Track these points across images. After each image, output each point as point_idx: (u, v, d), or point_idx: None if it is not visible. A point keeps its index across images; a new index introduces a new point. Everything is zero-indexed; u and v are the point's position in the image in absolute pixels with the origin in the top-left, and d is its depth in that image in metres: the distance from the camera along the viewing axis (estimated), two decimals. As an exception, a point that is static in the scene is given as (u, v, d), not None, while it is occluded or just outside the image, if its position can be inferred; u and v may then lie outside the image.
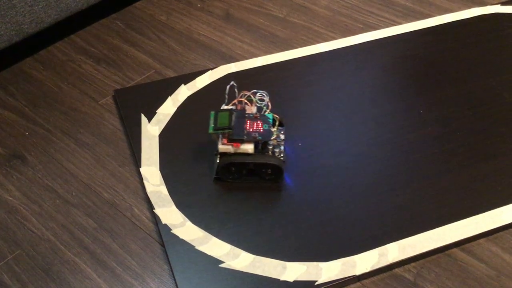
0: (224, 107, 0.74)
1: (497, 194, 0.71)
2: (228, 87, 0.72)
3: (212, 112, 0.72)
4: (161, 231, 0.68)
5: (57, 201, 0.74)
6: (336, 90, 0.87)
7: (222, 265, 0.65)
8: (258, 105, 0.73)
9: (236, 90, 0.73)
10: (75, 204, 0.73)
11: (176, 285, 0.63)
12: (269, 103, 0.73)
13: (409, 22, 1.01)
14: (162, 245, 0.68)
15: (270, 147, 0.72)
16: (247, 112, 0.72)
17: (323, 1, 1.08)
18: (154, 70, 0.93)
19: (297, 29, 1.01)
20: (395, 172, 0.75)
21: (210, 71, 0.91)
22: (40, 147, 0.81)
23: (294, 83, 0.88)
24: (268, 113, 0.72)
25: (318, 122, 0.82)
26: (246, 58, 0.94)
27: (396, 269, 0.65)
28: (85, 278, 0.65)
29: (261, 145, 0.71)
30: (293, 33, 1.00)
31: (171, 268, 0.65)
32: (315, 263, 0.65)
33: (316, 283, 0.63)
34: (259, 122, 0.71)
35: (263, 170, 0.72)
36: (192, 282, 0.63)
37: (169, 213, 0.70)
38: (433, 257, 0.67)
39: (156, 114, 0.83)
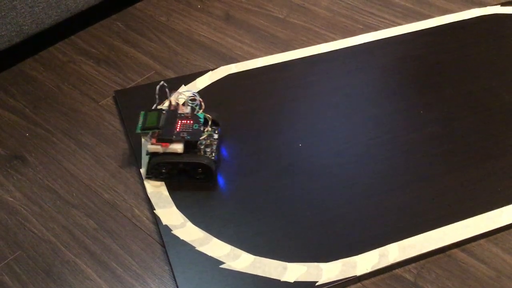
0: (155, 107, 0.74)
1: (498, 195, 0.72)
2: (158, 87, 0.73)
3: (142, 112, 0.73)
4: (162, 232, 0.68)
5: (58, 202, 0.74)
6: (336, 90, 0.87)
7: (222, 266, 0.65)
8: (190, 105, 0.74)
9: (167, 90, 0.74)
10: (76, 205, 0.73)
11: (177, 285, 0.64)
12: (202, 103, 0.74)
13: (409, 23, 1.01)
14: (163, 245, 0.68)
15: (202, 147, 0.73)
16: (179, 112, 0.73)
17: (323, 2, 1.08)
18: (154, 71, 0.93)
19: (297, 30, 1.01)
20: (396, 172, 0.75)
21: (210, 72, 0.91)
22: (41, 148, 0.81)
23: (294, 84, 0.88)
24: (200, 113, 0.73)
25: (319, 122, 0.82)
26: (246, 59, 0.94)
27: (397, 270, 0.65)
28: (86, 279, 0.65)
29: (192, 145, 0.72)
30: (293, 34, 1.00)
31: (171, 269, 0.65)
32: (315, 263, 0.65)
33: (317, 284, 0.63)
34: (190, 121, 0.71)
35: (194, 169, 0.72)
36: (192, 282, 0.63)
37: (169, 214, 0.70)
38: (434, 257, 0.67)
39: (157, 115, 0.83)
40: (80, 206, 0.73)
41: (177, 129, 0.71)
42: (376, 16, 1.03)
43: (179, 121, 0.71)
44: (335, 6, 1.07)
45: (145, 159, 0.76)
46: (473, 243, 0.68)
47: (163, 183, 0.74)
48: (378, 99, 0.86)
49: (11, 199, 0.74)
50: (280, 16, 1.05)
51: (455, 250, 0.67)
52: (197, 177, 0.73)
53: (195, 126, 0.71)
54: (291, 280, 0.63)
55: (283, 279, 0.64)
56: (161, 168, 0.72)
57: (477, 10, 1.02)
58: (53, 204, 0.73)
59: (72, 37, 1.01)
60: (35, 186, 0.76)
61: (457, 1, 1.06)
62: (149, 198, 0.72)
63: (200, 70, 0.92)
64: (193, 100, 0.75)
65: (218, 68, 0.92)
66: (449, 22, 1.00)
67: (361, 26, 1.01)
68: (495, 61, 0.92)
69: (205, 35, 1.01)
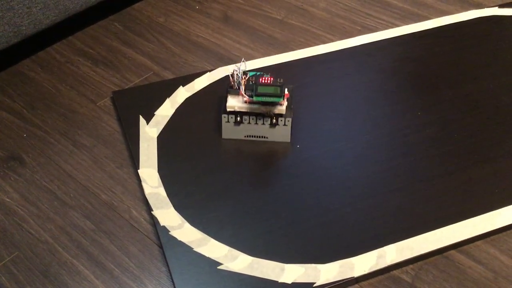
0: (233, 97, 0.77)
1: (495, 196, 0.72)
2: (230, 78, 0.76)
3: (256, 97, 0.74)
4: (159, 233, 0.68)
5: (55, 202, 0.74)
6: (334, 92, 0.87)
7: (220, 267, 0.65)
8: (237, 73, 0.77)
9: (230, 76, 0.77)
10: (73, 205, 0.73)
11: (174, 286, 0.63)
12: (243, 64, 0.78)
13: (407, 24, 1.01)
14: (160, 246, 0.68)
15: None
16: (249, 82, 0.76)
17: (321, 3, 1.08)
18: (152, 72, 0.93)
19: (295, 31, 1.01)
20: (393, 174, 0.75)
21: (208, 73, 0.91)
22: (38, 149, 0.81)
23: (292, 85, 0.88)
24: (250, 73, 0.78)
25: (317, 124, 0.82)
26: (244, 60, 0.94)
27: (394, 271, 0.66)
28: (83, 280, 0.65)
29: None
30: (291, 35, 1.00)
31: (169, 270, 0.65)
32: (313, 265, 0.65)
33: (315, 285, 0.63)
34: (262, 77, 0.75)
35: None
36: (190, 284, 0.63)
37: (167, 215, 0.70)
38: (431, 259, 0.67)
39: (155, 116, 0.83)
40: (78, 207, 0.73)
41: (268, 81, 0.75)
42: (374, 18, 1.04)
43: (260, 80, 0.75)
44: (333, 7, 1.07)
45: (146, 161, 0.76)
46: (471, 245, 0.68)
47: (161, 184, 0.74)
48: (376, 101, 0.86)
49: (8, 200, 0.74)
50: (278, 17, 1.05)
51: (452, 252, 0.67)
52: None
53: (265, 75, 0.76)
54: (289, 281, 0.63)
55: (281, 280, 0.63)
56: None
57: (474, 12, 1.02)
58: (50, 205, 0.73)
59: (70, 37, 1.01)
60: (32, 187, 0.76)
61: (455, 3, 1.06)
62: (146, 199, 0.72)
63: (198, 71, 0.92)
64: (244, 71, 0.77)
65: (216, 69, 0.92)
66: (446, 23, 1.00)
67: (359, 28, 1.01)
68: (492, 62, 0.92)
69: (203, 36, 1.01)
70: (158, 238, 0.68)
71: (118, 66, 0.95)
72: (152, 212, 0.71)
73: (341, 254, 0.66)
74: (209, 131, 0.81)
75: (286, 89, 0.76)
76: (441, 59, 0.93)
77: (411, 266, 0.66)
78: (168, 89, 0.88)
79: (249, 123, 0.77)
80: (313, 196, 0.72)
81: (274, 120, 0.77)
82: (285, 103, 0.76)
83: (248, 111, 0.76)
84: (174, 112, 0.84)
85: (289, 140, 0.78)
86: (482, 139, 0.79)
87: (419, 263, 0.66)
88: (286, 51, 0.96)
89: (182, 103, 0.86)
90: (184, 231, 0.68)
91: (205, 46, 0.98)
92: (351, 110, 0.84)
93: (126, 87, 0.90)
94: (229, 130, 0.79)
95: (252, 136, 0.79)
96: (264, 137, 0.79)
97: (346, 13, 1.05)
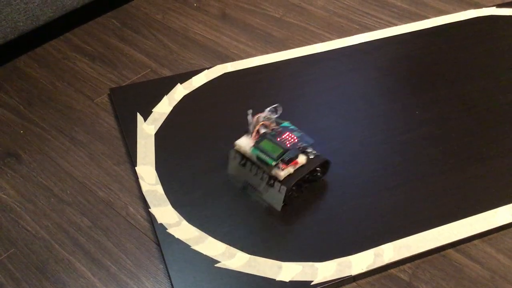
0: (247, 137, 0.72)
1: (492, 195, 0.72)
2: (249, 117, 0.71)
3: (254, 149, 0.69)
4: (157, 230, 0.68)
5: (52, 199, 0.73)
6: (332, 90, 0.87)
7: (217, 265, 0.65)
8: (271, 118, 0.72)
9: (249, 117, 0.72)
10: (70, 202, 0.73)
11: (172, 284, 0.63)
12: (278, 109, 0.72)
13: (405, 23, 1.01)
14: (158, 244, 0.68)
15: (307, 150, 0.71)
16: (267, 132, 0.71)
17: (319, 1, 1.08)
18: (150, 69, 0.93)
19: (293, 29, 1.01)
20: (391, 172, 0.75)
21: (206, 71, 0.91)
22: (35, 145, 0.80)
23: (290, 83, 0.88)
24: (286, 122, 0.72)
25: (314, 122, 0.82)
26: (242, 58, 0.94)
27: (392, 270, 0.66)
28: (80, 277, 0.65)
29: (305, 151, 0.71)
30: (289, 33, 1.00)
31: (166, 268, 0.65)
32: (310, 263, 0.65)
33: (312, 283, 0.63)
34: (287, 133, 0.71)
35: (314, 172, 0.71)
36: (187, 281, 0.63)
37: (164, 212, 0.70)
38: (428, 257, 0.67)
39: (152, 113, 0.83)
40: (74, 204, 0.73)
41: (289, 145, 0.69)
42: (372, 16, 1.04)
43: (279, 138, 0.70)
44: (331, 6, 1.07)
45: (143, 158, 0.76)
46: (468, 244, 0.68)
47: (158, 181, 0.74)
48: (373, 99, 0.86)
49: (4, 196, 0.74)
50: (276, 15, 1.05)
51: (450, 250, 0.67)
52: (315, 176, 0.72)
53: (296, 134, 0.70)
54: (286, 280, 0.63)
55: (278, 278, 0.63)
56: (293, 188, 0.69)
57: (472, 12, 1.03)
58: (47, 201, 0.73)
59: (67, 34, 1.00)
60: (29, 183, 0.75)
61: (453, 2, 1.06)
62: (144, 196, 0.72)
63: (196, 69, 0.92)
64: (273, 111, 0.72)
65: (214, 67, 0.91)
66: (444, 23, 1.00)
67: (357, 26, 1.01)
68: (490, 62, 0.92)
69: (201, 33, 1.01)
70: (155, 235, 0.68)
71: (116, 63, 0.94)
72: (149, 209, 0.70)
73: (339, 252, 0.66)
74: (206, 128, 0.81)
75: (298, 157, 0.69)
76: (439, 58, 0.93)
77: (408, 264, 0.66)
78: (166, 86, 0.88)
79: (250, 171, 0.71)
80: (311, 194, 0.72)
81: (271, 181, 0.69)
82: (289, 170, 0.69)
83: (252, 159, 0.71)
84: (172, 110, 0.84)
85: (279, 209, 0.70)
86: (479, 138, 0.79)
87: (416, 261, 0.66)
88: (284, 49, 0.96)
89: (180, 101, 0.85)
90: (182, 229, 0.68)
91: (203, 43, 0.98)
92: (348, 108, 0.84)
93: (124, 84, 0.90)
94: (234, 168, 0.73)
95: (250, 185, 0.72)
96: (259, 192, 0.71)
97: (344, 11, 1.05)
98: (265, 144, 0.69)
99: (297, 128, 0.73)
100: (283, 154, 0.68)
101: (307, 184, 0.72)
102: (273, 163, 0.68)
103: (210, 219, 0.69)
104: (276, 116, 0.72)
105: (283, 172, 0.68)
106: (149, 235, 0.69)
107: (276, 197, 0.70)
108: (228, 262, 0.65)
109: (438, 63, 0.92)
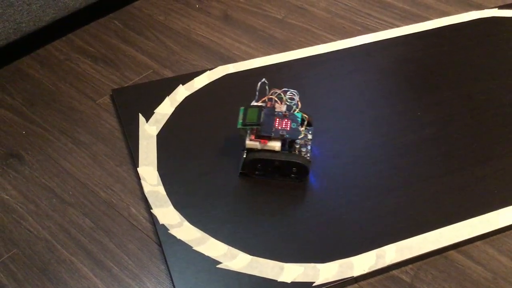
0: (254, 103, 0.73)
1: (494, 197, 0.72)
2: (259, 83, 0.72)
3: (242, 108, 0.72)
4: (158, 231, 0.68)
5: (54, 200, 0.73)
6: (334, 92, 0.87)
7: (219, 266, 0.65)
8: (288, 103, 0.73)
9: (267, 87, 0.73)
10: (72, 203, 0.73)
11: (173, 285, 0.63)
12: (299, 102, 0.73)
13: (407, 25, 1.01)
14: (159, 245, 0.68)
15: (297, 146, 0.72)
16: (276, 110, 0.72)
17: (321, 3, 1.08)
18: (152, 70, 0.93)
19: (295, 31, 1.01)
20: (393, 174, 0.75)
21: (208, 72, 0.91)
22: (37, 146, 0.80)
23: (291, 85, 0.88)
24: (298, 112, 0.73)
25: (316, 124, 0.82)
26: (244, 59, 0.94)
27: (394, 271, 0.66)
28: (82, 278, 0.65)
29: (288, 143, 0.71)
30: (291, 34, 1.00)
31: (168, 269, 0.65)
32: (312, 264, 0.65)
33: (314, 284, 0.63)
34: (287, 120, 0.71)
35: (289, 168, 0.72)
36: (189, 282, 0.63)
37: (166, 213, 0.70)
38: (430, 259, 0.67)
39: (154, 114, 0.83)
40: (77, 205, 0.73)
41: (276, 127, 0.70)
42: (374, 18, 1.04)
43: (277, 119, 0.71)
44: (333, 7, 1.07)
45: (145, 159, 0.76)
46: (470, 245, 0.68)
47: (160, 182, 0.74)
48: (376, 101, 0.86)
49: (7, 197, 0.74)
50: (278, 16, 1.05)
51: (451, 252, 0.67)
52: (291, 175, 0.73)
53: (293, 125, 0.71)
54: (288, 281, 0.63)
55: (280, 279, 0.63)
56: (257, 164, 0.72)
57: (474, 13, 1.02)
58: (49, 202, 0.73)
59: (70, 35, 1.01)
60: (31, 184, 0.75)
61: (455, 4, 1.06)
62: (146, 197, 0.72)
63: (198, 70, 0.92)
64: (291, 99, 0.73)
65: (216, 68, 0.92)
66: (446, 24, 1.00)
67: (359, 28, 1.01)
68: (492, 63, 0.92)
69: (203, 34, 1.01)
70: (157, 236, 0.68)
71: (118, 64, 0.94)
72: (151, 210, 0.70)
73: (341, 253, 0.66)
74: (208, 129, 0.81)
75: (270, 139, 0.70)
76: (441, 60, 0.93)
77: (410, 266, 0.66)
78: (168, 87, 0.88)
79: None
80: (313, 195, 0.72)
81: (243, 144, 0.71)
82: (256, 144, 0.70)
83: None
84: (174, 111, 0.84)
85: (238, 173, 0.74)
86: (482, 139, 0.79)
87: (418, 263, 0.66)
88: (286, 51, 0.96)
89: (182, 102, 0.85)
90: (183, 230, 0.68)
91: (205, 45, 0.98)
92: (350, 110, 0.84)
93: (126, 85, 0.90)
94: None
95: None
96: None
97: (346, 13, 1.05)
98: (252, 110, 0.71)
99: (309, 132, 0.74)
100: (252, 125, 0.69)
101: (279, 176, 0.73)
102: (239, 126, 0.70)
103: (212, 220, 0.69)
104: (294, 102, 0.73)
105: (249, 142, 0.70)
106: (151, 236, 0.69)
107: (240, 161, 0.73)
108: (230, 263, 0.65)
109: (440, 65, 0.92)
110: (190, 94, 0.87)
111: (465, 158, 0.77)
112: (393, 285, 0.64)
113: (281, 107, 0.73)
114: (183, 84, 0.88)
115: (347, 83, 0.89)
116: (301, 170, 0.72)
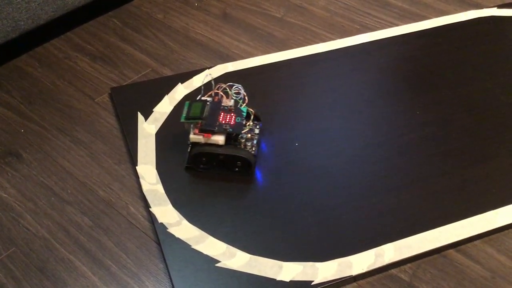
0: (200, 98, 0.75)
1: (493, 196, 0.72)
2: (204, 78, 0.73)
3: (187, 102, 0.74)
4: (157, 230, 0.68)
5: (52, 198, 0.73)
6: (332, 91, 0.87)
7: (218, 265, 0.65)
8: (234, 98, 0.75)
9: (213, 82, 0.75)
10: (70, 202, 0.73)
11: (172, 284, 0.63)
12: (246, 97, 0.74)
13: (406, 23, 1.01)
14: (158, 243, 0.68)
15: (243, 140, 0.74)
16: (223, 104, 0.73)
17: (320, 1, 1.08)
18: (150, 69, 0.93)
19: (294, 30, 1.01)
20: (391, 173, 0.75)
21: (207, 70, 0.91)
22: (35, 145, 0.80)
23: (290, 83, 0.88)
24: (243, 106, 0.74)
25: (315, 123, 0.82)
26: (243, 58, 0.94)
27: (392, 270, 0.66)
28: (80, 276, 0.65)
29: (233, 137, 0.72)
30: (290, 33, 1.00)
31: (167, 267, 0.65)
32: (311, 263, 0.65)
33: (313, 283, 0.63)
34: (232, 114, 0.72)
35: (233, 162, 0.73)
36: (188, 281, 0.63)
37: (165, 212, 0.70)
38: (429, 258, 0.67)
39: (153, 113, 0.83)
40: (75, 203, 0.73)
41: (220, 121, 0.71)
42: (373, 17, 1.04)
43: (222, 113, 0.72)
44: (332, 6, 1.07)
45: (144, 158, 0.76)
46: (469, 244, 0.68)
47: (159, 181, 0.74)
48: (374, 100, 0.86)
49: (5, 195, 0.74)
50: (277, 15, 1.05)
51: (450, 251, 0.67)
52: (236, 169, 0.73)
53: (238, 119, 0.72)
54: (287, 279, 0.63)
55: (278, 278, 0.63)
56: (201, 158, 0.73)
57: (473, 12, 1.02)
58: (48, 201, 0.73)
59: (68, 33, 1.00)
60: (29, 182, 0.75)
61: (454, 3, 1.06)
62: (144, 196, 0.72)
63: (197, 68, 0.92)
64: (237, 93, 0.75)
65: (215, 67, 0.91)
66: (445, 23, 1.00)
67: (358, 27, 1.01)
68: (491, 62, 0.92)
69: (202, 33, 1.01)
70: (156, 235, 0.68)
71: (117, 62, 0.94)
72: (150, 209, 0.70)
73: (339, 252, 0.66)
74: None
75: (214, 133, 0.71)
76: (440, 59, 0.93)
77: (409, 265, 0.66)
78: (167, 86, 0.88)
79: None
80: (311, 194, 0.72)
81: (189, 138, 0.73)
82: (200, 138, 0.71)
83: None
84: (173, 109, 0.84)
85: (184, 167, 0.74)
86: (480, 138, 0.79)
87: (417, 262, 0.66)
88: (285, 49, 0.96)
89: (181, 100, 0.85)
90: (182, 228, 0.68)
91: (204, 43, 0.98)
92: (349, 109, 0.84)
93: (124, 83, 0.90)
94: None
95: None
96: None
97: (345, 12, 1.05)
98: (196, 104, 0.73)
99: (256, 127, 0.75)
100: (196, 119, 0.71)
101: (225, 170, 0.74)
102: (182, 120, 0.72)
103: (210, 219, 0.69)
104: (240, 97, 0.74)
105: (192, 136, 0.72)
106: (150, 234, 0.69)
107: (187, 155, 0.74)
108: (228, 262, 0.65)
109: (439, 64, 0.92)
110: (189, 93, 0.87)
111: (464, 157, 0.77)
112: (392, 284, 0.64)
113: (227, 102, 0.74)
114: (182, 83, 0.88)
115: (346, 82, 0.89)
116: (245, 164, 0.73)
